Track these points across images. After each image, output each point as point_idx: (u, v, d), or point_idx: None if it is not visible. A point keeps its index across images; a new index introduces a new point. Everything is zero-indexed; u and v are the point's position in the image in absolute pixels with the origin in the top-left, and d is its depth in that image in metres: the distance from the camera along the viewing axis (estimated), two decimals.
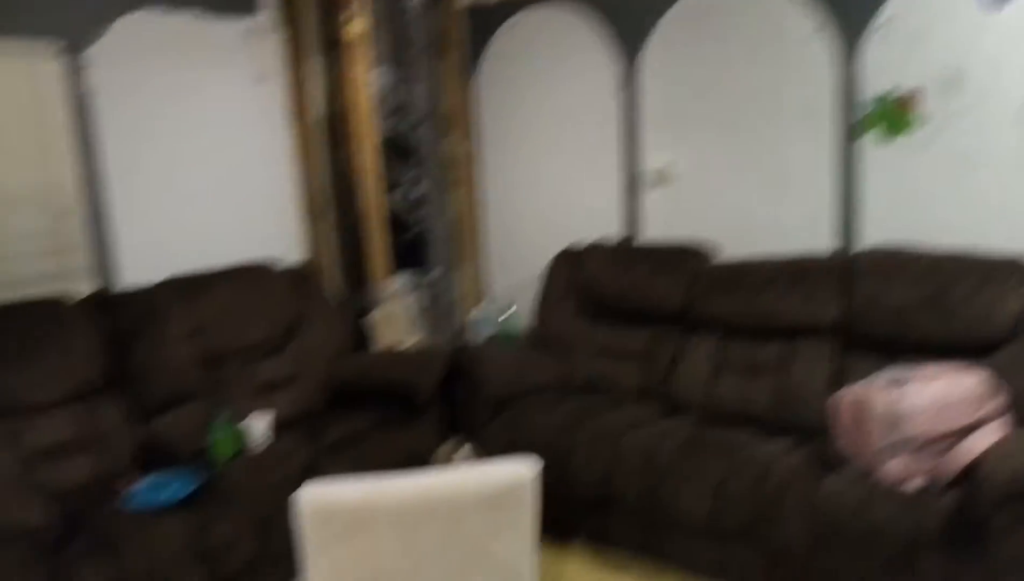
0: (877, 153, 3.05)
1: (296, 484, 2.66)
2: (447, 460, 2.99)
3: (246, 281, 3.35)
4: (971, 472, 2.25)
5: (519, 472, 1.51)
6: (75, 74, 3.01)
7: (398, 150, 3.89)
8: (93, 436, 2.71)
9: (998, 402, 2.41)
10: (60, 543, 2.21)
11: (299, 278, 3.57)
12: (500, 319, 3.88)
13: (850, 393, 2.53)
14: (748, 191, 3.39)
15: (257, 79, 3.60)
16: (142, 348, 2.91)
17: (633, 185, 3.69)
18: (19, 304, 2.73)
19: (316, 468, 2.75)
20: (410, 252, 4.00)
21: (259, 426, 2.74)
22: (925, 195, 2.98)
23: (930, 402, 2.36)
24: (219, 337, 3.16)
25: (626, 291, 3.41)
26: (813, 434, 2.78)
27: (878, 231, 3.07)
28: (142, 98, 3.23)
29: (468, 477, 1.49)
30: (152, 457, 2.76)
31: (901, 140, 2.99)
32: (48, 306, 2.78)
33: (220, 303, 3.21)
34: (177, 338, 3.02)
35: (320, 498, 1.43)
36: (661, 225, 3.64)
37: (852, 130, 3.09)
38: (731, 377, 3.04)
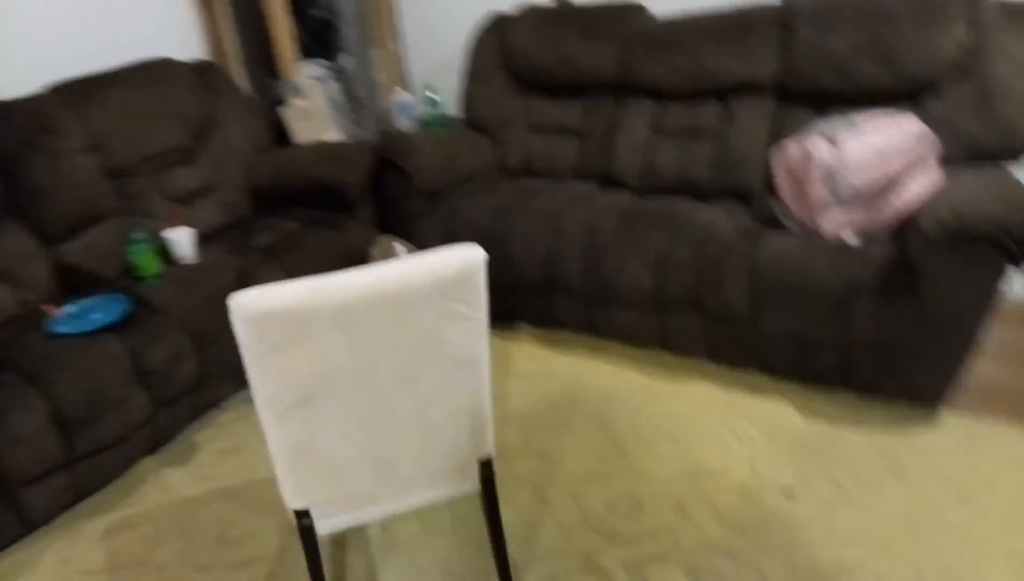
0: None
1: (231, 294, 2.60)
2: (383, 257, 2.90)
3: (145, 81, 3.03)
4: (908, 218, 2.28)
5: (470, 256, 1.43)
6: None
7: None
8: (3, 266, 2.52)
9: (929, 146, 2.39)
10: None
11: (204, 74, 3.25)
12: (424, 103, 3.66)
13: (788, 148, 2.49)
14: None
15: None
16: (36, 166, 2.65)
17: None
18: None
19: (250, 276, 2.65)
20: (320, 37, 3.66)
21: (182, 239, 2.57)
22: None
23: (866, 152, 2.33)
24: (123, 146, 2.90)
25: (559, 59, 3.20)
26: (754, 196, 2.78)
27: None
28: None
29: (415, 267, 1.40)
30: (73, 282, 2.61)
31: None
32: None
33: (119, 108, 2.91)
34: (75, 151, 2.76)
35: (257, 304, 1.33)
36: None
37: None
38: (670, 144, 2.96)
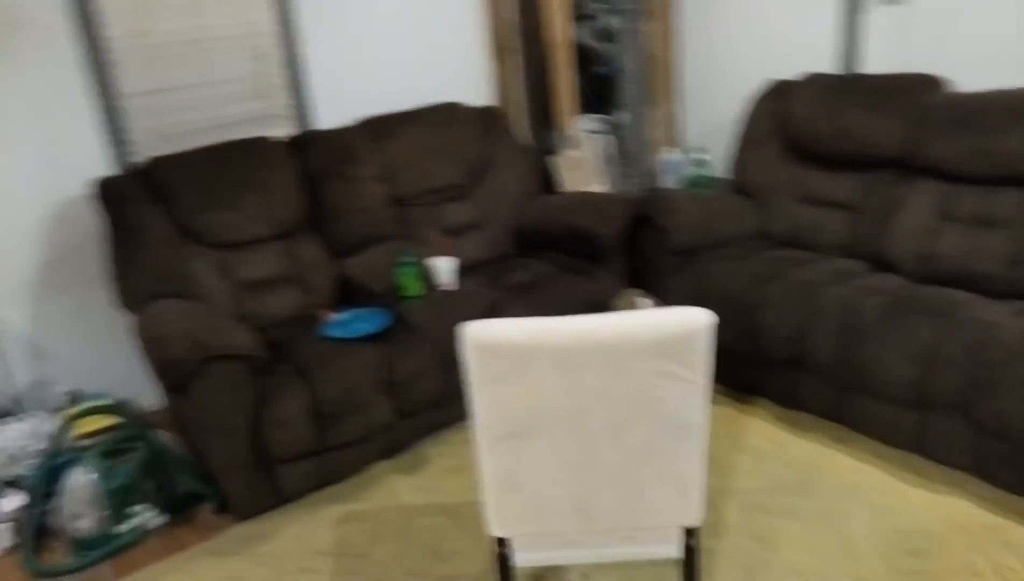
0: None
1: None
2: (626, 310, 2.92)
3: (434, 123, 3.36)
4: None
5: (693, 319, 1.41)
6: None
7: None
8: (296, 271, 2.91)
9: None
10: (267, 367, 2.42)
11: (487, 119, 3.53)
12: (694, 163, 3.65)
13: None
14: (993, 8, 2.83)
15: None
16: (337, 188, 3.03)
17: (849, 8, 3.21)
18: (228, 145, 2.91)
19: (498, 310, 2.80)
20: (600, 91, 3.81)
21: (445, 267, 2.80)
22: None
23: None
24: (408, 179, 3.23)
25: (837, 130, 3.04)
26: None
27: None
28: None
29: (637, 321, 1.41)
30: (348, 293, 2.94)
31: None
32: (255, 147, 2.94)
33: (410, 144, 3.25)
34: (369, 178, 3.12)
35: (485, 335, 1.42)
36: (887, 55, 3.17)
37: None
38: (955, 231, 2.68)
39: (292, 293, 2.90)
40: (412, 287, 2.75)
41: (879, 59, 3.19)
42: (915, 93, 2.89)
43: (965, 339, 2.27)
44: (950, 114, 2.75)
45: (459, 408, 2.83)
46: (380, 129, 3.24)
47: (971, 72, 2.86)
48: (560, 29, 3.47)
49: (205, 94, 3.02)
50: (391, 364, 2.52)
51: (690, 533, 1.68)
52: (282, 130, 3.17)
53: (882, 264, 2.85)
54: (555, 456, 1.54)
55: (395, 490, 2.56)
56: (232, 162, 2.86)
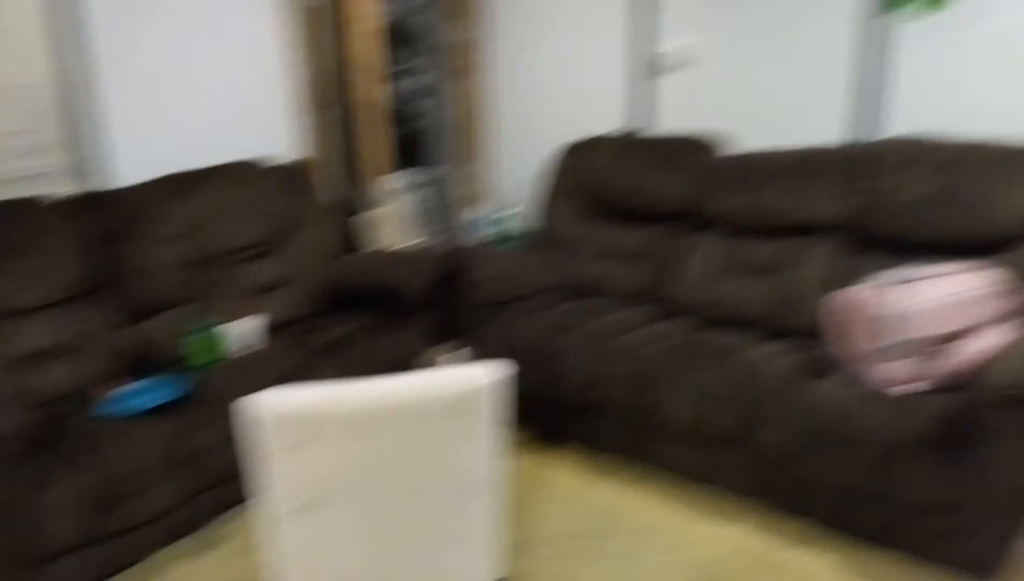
0: (906, 31, 2.83)
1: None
2: (438, 365, 2.96)
3: (236, 180, 3.26)
4: (969, 375, 2.18)
5: (478, 377, 1.46)
6: None
7: (400, 36, 3.69)
8: (75, 342, 2.69)
9: (1003, 303, 2.30)
10: (36, 449, 2.20)
11: (292, 177, 3.48)
12: (499, 219, 3.78)
13: (842, 295, 2.44)
14: (769, 76, 3.19)
15: None
16: (127, 251, 2.85)
17: (648, 70, 3.50)
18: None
19: (303, 372, 2.74)
20: (411, 148, 3.87)
21: (243, 329, 2.70)
22: (959, 78, 2.77)
23: (928, 305, 2.27)
24: (208, 238, 3.10)
25: (631, 188, 3.28)
26: (811, 337, 2.72)
27: (906, 119, 2.88)
28: None
29: (426, 383, 1.44)
30: (137, 363, 2.75)
31: (935, 15, 2.76)
32: (25, 207, 2.71)
33: (208, 203, 3.13)
34: (163, 239, 2.96)
35: (275, 404, 1.39)
36: (677, 114, 3.46)
37: (884, 4, 2.85)
38: (732, 278, 2.95)
39: (75, 365, 2.67)
40: (208, 353, 2.63)
41: (663, 120, 3.48)
42: (696, 152, 3.18)
43: (738, 378, 2.49)
44: (726, 172, 3.05)
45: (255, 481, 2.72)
46: (179, 186, 3.10)
47: (740, 133, 3.17)
48: (373, 86, 3.50)
49: None
50: (178, 439, 2.38)
51: None
52: (67, 188, 2.95)
53: (671, 311, 3.07)
54: (350, 526, 1.52)
55: (182, 577, 2.39)
56: (1, 225, 2.62)
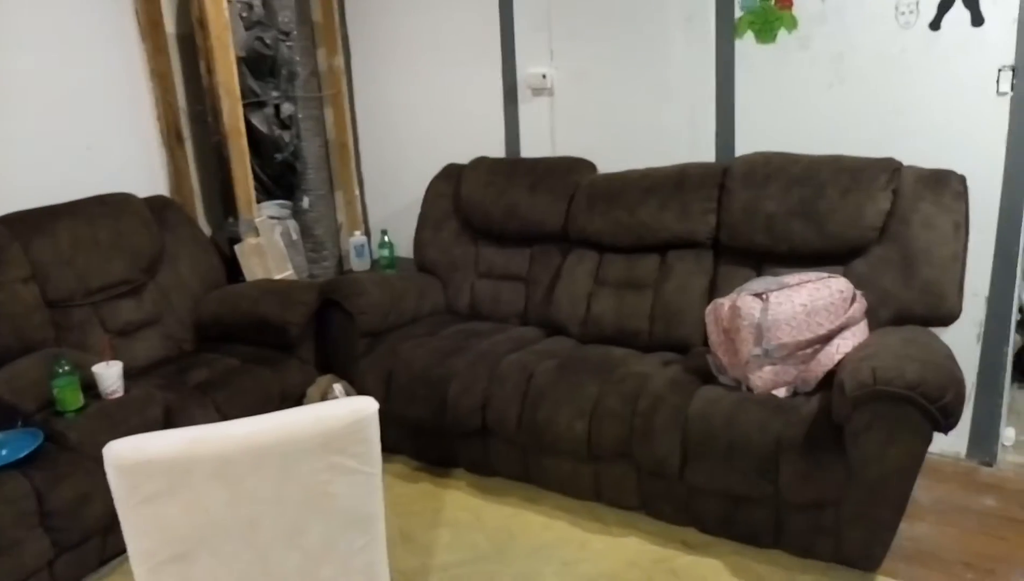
0: (753, 56, 2.98)
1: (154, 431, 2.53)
2: (321, 397, 2.87)
3: (98, 215, 3.08)
4: (833, 377, 2.29)
5: (360, 408, 1.41)
6: None
7: (262, 66, 3.60)
8: None
9: (857, 308, 2.44)
10: None
11: (160, 209, 3.32)
12: (377, 245, 3.74)
13: (722, 304, 2.52)
14: (630, 100, 3.28)
15: None
16: None
17: (511, 96, 3.54)
18: None
19: (178, 413, 2.60)
20: (281, 178, 3.77)
21: (109, 373, 2.53)
22: (800, 100, 2.93)
23: (795, 311, 2.37)
24: (67, 277, 2.90)
25: (507, 210, 3.30)
26: (689, 348, 2.80)
27: (754, 139, 3.02)
28: None
29: (300, 418, 1.38)
30: None
31: (777, 42, 2.91)
32: None
33: (67, 240, 2.94)
34: (14, 281, 2.76)
35: (131, 453, 1.30)
36: (541, 139, 3.51)
37: (731, 31, 2.99)
38: (610, 295, 3.00)
39: None
40: (70, 400, 2.45)
41: (534, 144, 3.53)
42: (569, 174, 3.24)
43: (622, 392, 2.53)
44: (597, 192, 3.11)
45: None
46: (27, 225, 2.90)
47: (609, 155, 3.25)
48: (233, 116, 3.39)
49: None
50: (44, 492, 2.21)
51: None
52: None
53: (553, 328, 3.10)
54: (227, 574, 1.44)
55: None
56: None
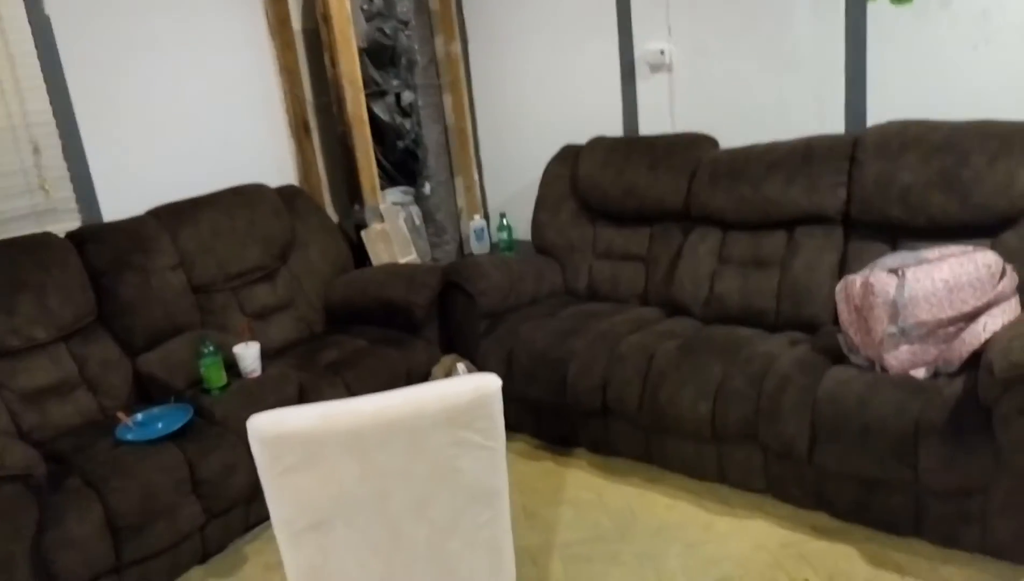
0: (887, 18, 2.80)
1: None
2: (445, 376, 2.94)
3: (235, 205, 3.27)
4: (979, 357, 2.15)
5: (482, 385, 1.44)
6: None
7: (383, 56, 3.70)
8: (85, 374, 2.71)
9: (1007, 283, 2.27)
10: (53, 483, 2.21)
11: (288, 198, 3.48)
12: (496, 229, 3.78)
13: (853, 281, 2.41)
14: (752, 73, 3.16)
15: None
16: (131, 281, 2.86)
17: (628, 74, 3.49)
18: (2, 243, 2.69)
19: (311, 391, 2.73)
20: (403, 165, 3.87)
21: (248, 353, 2.70)
22: (941, 64, 2.75)
23: (935, 287, 2.24)
24: (209, 264, 3.11)
25: (625, 189, 3.26)
26: (818, 327, 2.69)
27: (888, 108, 2.85)
28: (102, 21, 3.08)
29: (426, 395, 1.42)
30: (147, 391, 2.76)
31: (914, 2, 2.73)
32: (32, 243, 2.74)
33: (208, 229, 3.15)
34: (165, 268, 2.97)
35: (272, 427, 1.38)
36: (660, 116, 3.45)
37: None
38: (733, 273, 2.92)
39: (82, 398, 2.68)
40: (215, 378, 2.62)
41: (653, 121, 3.46)
42: (689, 151, 3.16)
43: (747, 372, 2.47)
44: (720, 169, 3.03)
45: None
46: (174, 216, 3.11)
47: (731, 130, 3.16)
48: (356, 105, 3.51)
49: None
50: (195, 463, 2.38)
51: None
52: (66, 225, 2.97)
53: (674, 308, 3.05)
54: (361, 543, 1.50)
55: None
56: (7, 261, 2.64)
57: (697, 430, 2.54)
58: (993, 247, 2.42)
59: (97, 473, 2.26)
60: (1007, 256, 2.35)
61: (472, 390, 1.44)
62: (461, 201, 4.14)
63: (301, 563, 1.50)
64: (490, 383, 1.45)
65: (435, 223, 3.98)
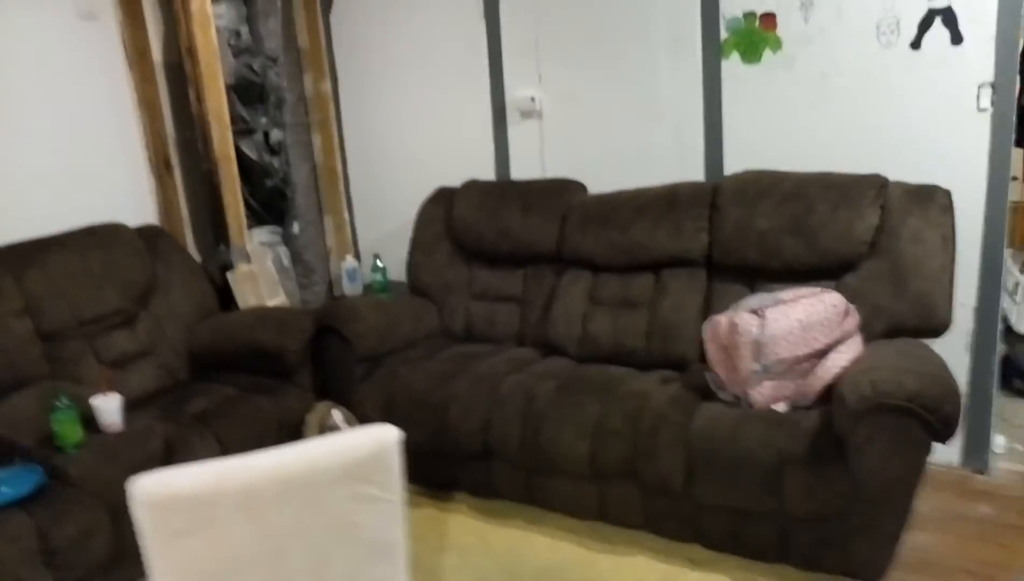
0: (739, 76, 3.04)
1: (158, 465, 2.50)
2: (320, 424, 2.86)
3: (89, 246, 3.05)
4: (830, 391, 2.33)
5: (382, 437, 1.42)
6: None
7: (251, 92, 3.61)
8: None
9: (851, 322, 2.49)
10: None
11: (151, 238, 3.29)
12: (370, 270, 3.74)
13: (719, 321, 2.56)
14: (619, 122, 3.32)
15: (84, 15, 3.24)
16: None
17: (500, 119, 3.58)
18: None
19: (179, 445, 2.58)
20: (271, 204, 3.76)
21: (108, 406, 2.51)
22: (786, 118, 3.00)
23: (792, 326, 2.41)
24: (59, 309, 2.87)
25: (500, 232, 3.32)
26: (687, 365, 2.83)
27: (742, 157, 3.08)
28: None
29: (325, 448, 1.38)
30: None
31: (763, 62, 2.98)
32: None
33: (59, 271, 2.91)
34: (7, 314, 2.73)
35: (158, 488, 1.29)
36: (531, 161, 3.55)
37: (717, 52, 3.05)
38: (605, 314, 3.03)
39: None
40: (70, 434, 2.41)
41: (524, 166, 3.56)
42: (560, 195, 3.27)
43: (623, 411, 2.55)
44: (590, 213, 3.15)
45: (139, 566, 2.52)
46: (18, 258, 2.87)
47: (599, 176, 3.29)
48: (223, 143, 3.39)
49: None
50: (47, 529, 2.18)
51: None
52: None
53: (550, 349, 3.12)
54: None
55: None
56: None
57: (577, 469, 2.59)
58: (837, 288, 2.64)
59: None
60: (849, 297, 2.57)
61: (371, 442, 1.41)
62: (331, 241, 4.07)
63: None
64: (389, 435, 1.42)
65: (304, 264, 3.88)
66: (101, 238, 3.11)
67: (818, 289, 2.55)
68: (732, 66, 3.04)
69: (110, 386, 2.60)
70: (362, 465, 1.40)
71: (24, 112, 3.08)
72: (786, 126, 3.00)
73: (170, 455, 2.55)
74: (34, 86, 3.11)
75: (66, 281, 2.92)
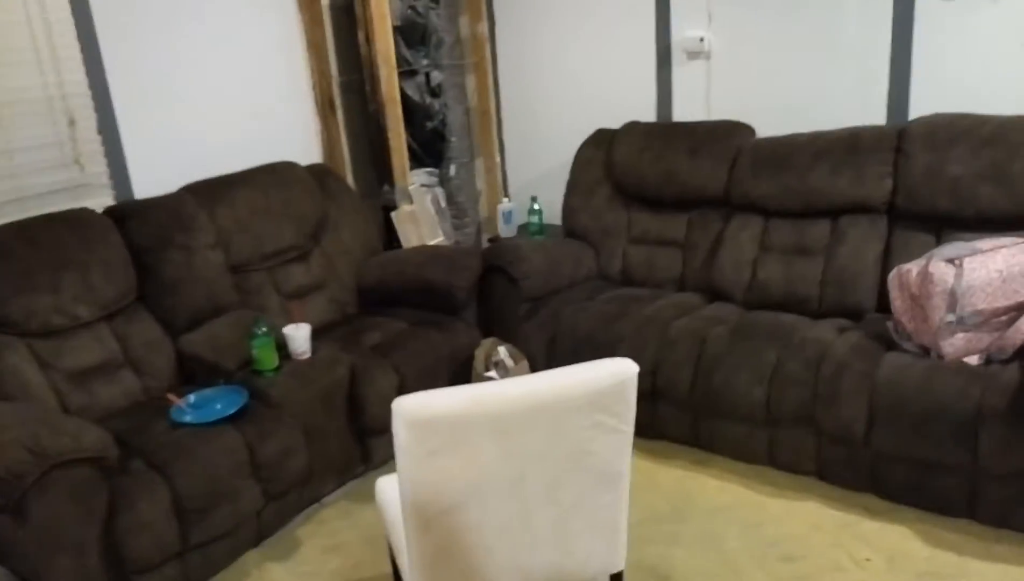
0: (935, 12, 2.86)
1: (344, 391, 2.64)
2: (487, 359, 2.94)
3: (268, 184, 3.20)
4: None
5: (622, 370, 1.45)
6: None
7: (414, 34, 3.65)
8: (129, 354, 2.64)
9: None
10: (116, 465, 2.16)
11: (321, 177, 3.42)
12: (527, 212, 3.78)
13: (908, 270, 2.47)
14: (794, 62, 3.21)
15: None
16: (174, 260, 2.79)
17: (663, 60, 3.50)
18: (42, 219, 2.60)
19: (362, 374, 2.71)
20: (429, 146, 3.83)
21: (298, 335, 2.66)
22: (988, 59, 2.82)
23: (991, 276, 2.31)
24: (245, 243, 3.05)
25: (665, 175, 3.28)
26: (862, 314, 2.75)
27: (931, 100, 2.92)
28: None
29: (571, 378, 1.43)
30: (189, 372, 2.70)
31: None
32: (74, 220, 2.65)
33: (242, 208, 3.08)
34: (205, 247, 2.90)
35: (420, 409, 1.37)
36: (695, 103, 3.47)
37: None
38: (776, 260, 2.97)
39: (127, 379, 2.62)
40: (267, 360, 2.58)
41: (687, 108, 3.49)
42: (730, 138, 3.19)
43: (802, 357, 2.52)
44: (763, 157, 3.06)
45: (326, 483, 2.70)
46: (209, 194, 3.04)
47: (768, 119, 3.19)
48: (390, 85, 3.46)
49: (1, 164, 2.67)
50: (255, 445, 2.35)
51: (616, 578, 1.70)
52: (98, 201, 2.87)
53: (715, 294, 3.09)
54: (491, 525, 1.51)
55: (275, 576, 2.37)
56: (45, 238, 2.55)
57: (751, 414, 2.59)
58: None
59: (159, 456, 2.22)
60: None
61: (611, 374, 1.45)
62: (480, 183, 4.12)
63: (428, 547, 1.50)
64: (628, 368, 1.46)
65: (457, 205, 3.96)
66: (278, 176, 3.25)
67: (1020, 239, 2.42)
68: (927, 1, 2.86)
69: (302, 316, 2.75)
70: (604, 395, 1.44)
71: (207, 55, 3.23)
72: (987, 68, 2.82)
73: (355, 382, 2.69)
74: (212, 32, 3.25)
75: (250, 217, 3.08)
